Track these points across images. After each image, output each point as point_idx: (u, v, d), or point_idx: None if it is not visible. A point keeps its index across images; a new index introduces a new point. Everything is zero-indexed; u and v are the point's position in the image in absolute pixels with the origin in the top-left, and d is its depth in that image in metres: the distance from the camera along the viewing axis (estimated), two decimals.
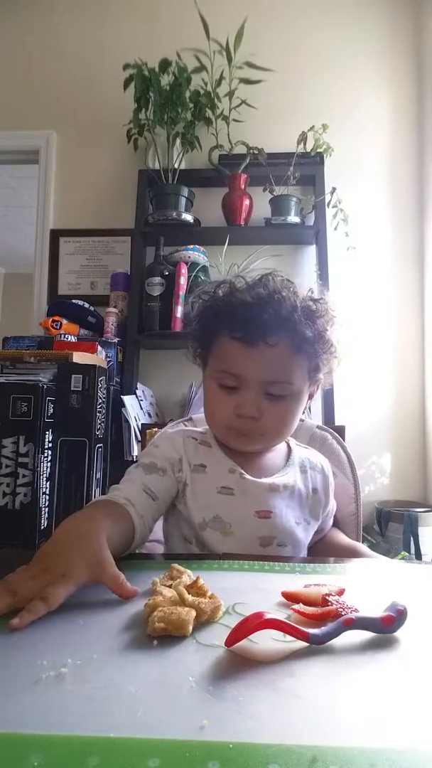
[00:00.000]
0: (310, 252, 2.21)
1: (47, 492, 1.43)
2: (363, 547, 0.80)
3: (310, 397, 0.77)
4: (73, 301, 2.13)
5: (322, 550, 0.81)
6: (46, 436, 1.42)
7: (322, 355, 0.72)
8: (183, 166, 2.15)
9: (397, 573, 0.60)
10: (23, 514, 1.36)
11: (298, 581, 0.52)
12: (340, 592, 0.47)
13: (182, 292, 1.98)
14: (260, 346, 0.67)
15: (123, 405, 1.87)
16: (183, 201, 2.10)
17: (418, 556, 1.79)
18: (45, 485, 1.42)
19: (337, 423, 1.85)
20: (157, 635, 0.40)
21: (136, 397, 2.00)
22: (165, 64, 2.04)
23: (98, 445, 1.55)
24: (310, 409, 1.82)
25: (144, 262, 2.16)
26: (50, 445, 1.44)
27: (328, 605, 0.44)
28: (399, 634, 0.41)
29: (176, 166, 2.12)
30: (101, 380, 1.56)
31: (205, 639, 0.40)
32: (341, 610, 0.43)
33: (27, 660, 0.36)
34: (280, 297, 0.69)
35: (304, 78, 2.30)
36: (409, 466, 2.14)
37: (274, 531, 0.72)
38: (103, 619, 0.44)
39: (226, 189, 2.14)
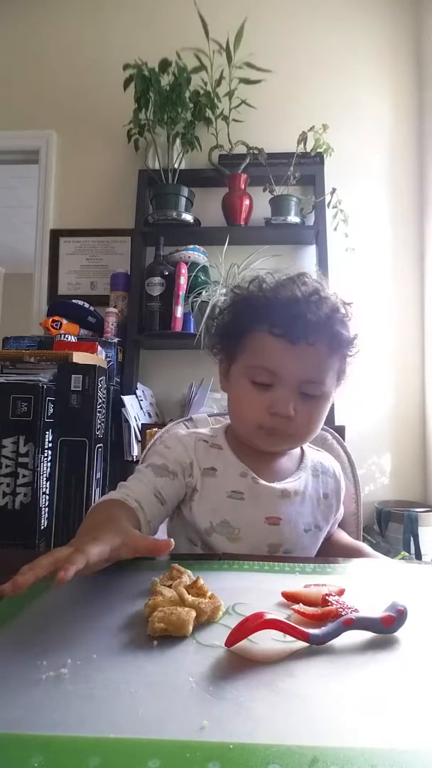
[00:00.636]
0: (310, 252, 2.20)
1: (47, 492, 1.43)
2: (366, 547, 0.80)
3: None
4: (73, 301, 2.13)
5: (325, 550, 0.80)
6: (46, 436, 1.42)
7: (348, 359, 0.72)
8: (183, 166, 2.15)
9: (397, 573, 0.60)
10: (23, 514, 1.36)
11: (298, 581, 0.52)
12: (340, 592, 0.47)
13: (182, 292, 1.98)
14: (301, 344, 0.66)
15: (123, 405, 1.87)
16: (183, 201, 2.10)
17: (418, 556, 1.79)
18: (45, 485, 1.42)
19: (337, 423, 1.85)
20: (157, 635, 0.40)
21: (136, 397, 2.00)
22: (165, 64, 2.04)
23: (98, 445, 1.55)
24: None
25: (144, 262, 2.16)
26: (50, 445, 1.44)
27: (328, 605, 0.44)
28: (399, 634, 0.41)
29: (176, 166, 2.12)
30: (101, 380, 1.56)
31: (205, 639, 0.40)
32: (341, 610, 0.43)
33: (27, 660, 0.36)
34: (321, 297, 0.68)
35: (304, 78, 2.30)
36: (409, 466, 2.14)
37: (282, 538, 0.71)
38: (103, 619, 0.43)
39: (226, 189, 2.14)
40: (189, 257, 2.07)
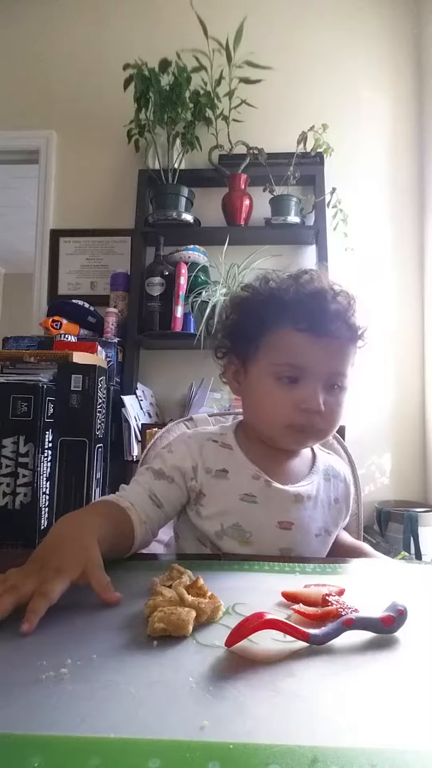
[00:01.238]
0: (310, 252, 2.20)
1: (47, 492, 1.43)
2: (367, 547, 0.80)
3: None
4: (73, 301, 2.13)
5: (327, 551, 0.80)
6: (46, 436, 1.42)
7: (359, 350, 0.72)
8: (183, 166, 2.15)
9: (397, 573, 0.60)
10: (23, 514, 1.36)
11: (298, 581, 0.52)
12: (340, 592, 0.47)
13: (182, 292, 1.98)
14: (325, 338, 0.66)
15: (123, 405, 1.87)
16: (183, 201, 2.10)
17: (418, 556, 1.79)
18: (45, 485, 1.42)
19: None
20: (157, 635, 0.40)
21: (136, 397, 2.00)
22: (165, 64, 2.04)
23: (98, 445, 1.55)
24: None
25: (144, 262, 2.16)
26: (50, 445, 1.44)
27: (328, 605, 0.44)
28: (399, 634, 0.41)
29: (176, 166, 2.12)
30: (101, 380, 1.56)
31: (205, 639, 0.40)
32: (341, 610, 0.43)
33: (27, 660, 0.36)
34: (336, 290, 0.69)
35: (304, 78, 2.30)
36: (409, 466, 2.14)
37: (294, 543, 0.70)
38: (103, 619, 0.44)
39: (226, 189, 2.14)
40: (189, 257, 2.07)
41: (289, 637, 0.39)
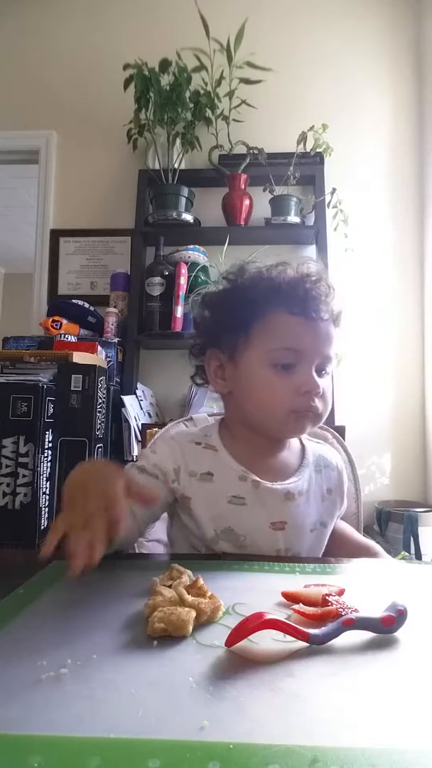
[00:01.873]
0: (310, 252, 2.20)
1: (47, 492, 1.43)
2: (376, 547, 0.78)
3: None
4: (73, 301, 2.13)
5: (337, 549, 0.77)
6: (46, 436, 1.42)
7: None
8: (183, 166, 2.15)
9: (397, 573, 0.60)
10: (23, 514, 1.36)
11: (298, 581, 0.52)
12: (340, 592, 0.47)
13: (182, 292, 1.98)
14: (316, 321, 0.67)
15: (123, 405, 1.87)
16: (183, 201, 2.10)
17: (418, 556, 1.79)
18: (45, 485, 1.42)
19: (337, 423, 1.84)
20: (157, 635, 0.40)
21: (136, 397, 2.00)
22: (165, 64, 2.04)
23: (98, 445, 1.55)
24: None
25: (144, 262, 2.16)
26: (50, 445, 1.44)
27: (328, 605, 0.44)
28: (399, 634, 0.41)
29: (176, 166, 2.12)
30: (101, 380, 1.56)
31: (205, 639, 0.40)
32: (341, 610, 0.43)
33: (27, 660, 0.36)
34: (314, 277, 0.69)
35: (304, 78, 2.30)
36: (409, 466, 2.14)
37: (289, 542, 0.69)
38: (103, 619, 0.43)
39: (226, 189, 2.14)
40: (189, 257, 2.07)
41: (289, 637, 0.39)
